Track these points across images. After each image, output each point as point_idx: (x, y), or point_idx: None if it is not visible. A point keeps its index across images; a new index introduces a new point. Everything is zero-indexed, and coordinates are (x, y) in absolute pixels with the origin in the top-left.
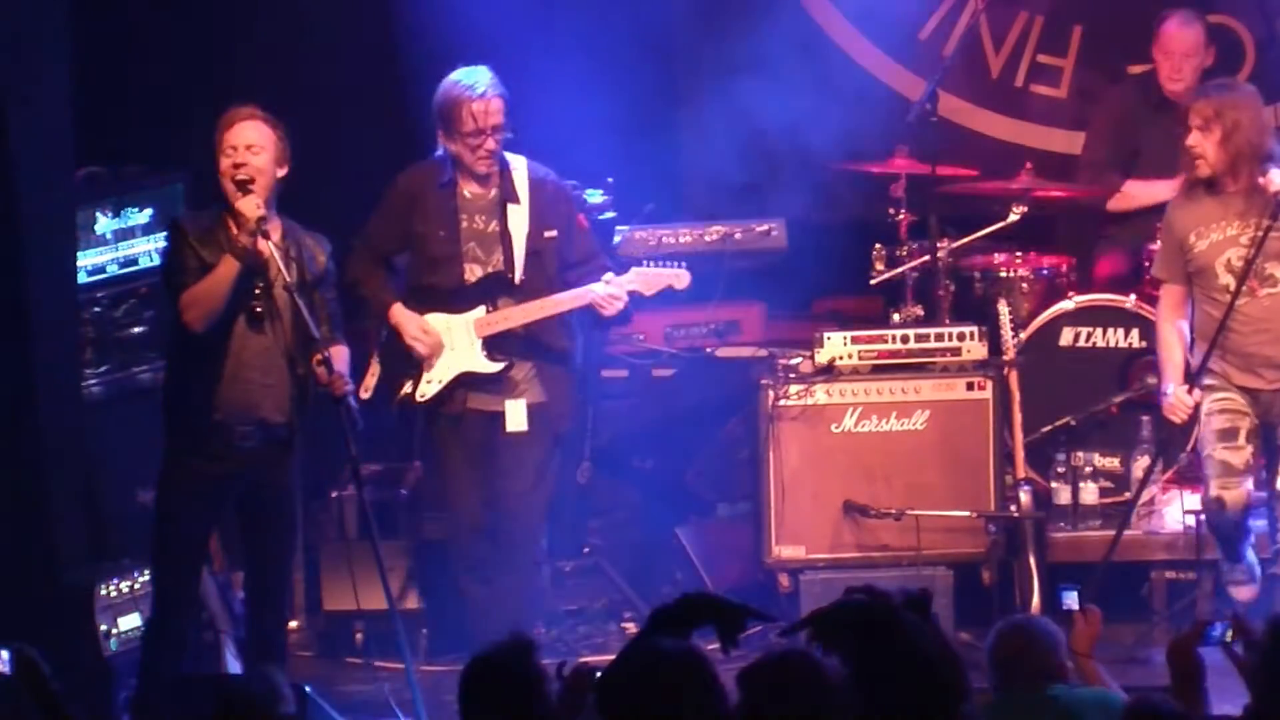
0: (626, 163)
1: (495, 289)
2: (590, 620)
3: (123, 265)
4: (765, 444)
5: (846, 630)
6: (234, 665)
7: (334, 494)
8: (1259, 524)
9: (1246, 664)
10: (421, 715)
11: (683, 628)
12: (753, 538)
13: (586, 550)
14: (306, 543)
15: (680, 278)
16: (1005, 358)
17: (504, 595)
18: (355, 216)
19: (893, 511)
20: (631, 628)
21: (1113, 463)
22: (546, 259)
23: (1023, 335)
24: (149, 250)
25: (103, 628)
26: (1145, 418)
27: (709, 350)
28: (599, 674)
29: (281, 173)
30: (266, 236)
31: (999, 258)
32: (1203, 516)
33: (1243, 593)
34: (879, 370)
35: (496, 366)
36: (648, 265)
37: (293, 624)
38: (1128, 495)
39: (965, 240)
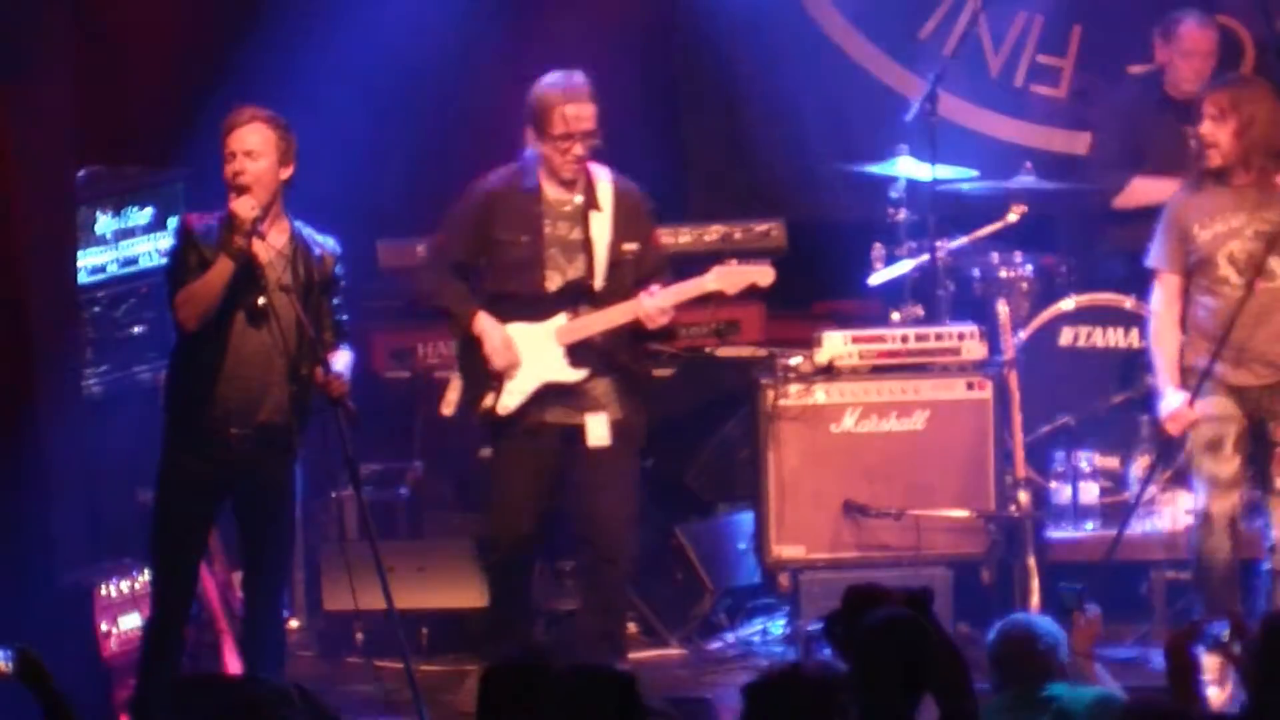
0: (626, 163)
1: (576, 296)
2: None
3: (123, 265)
4: (765, 444)
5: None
6: (234, 665)
7: (334, 494)
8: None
9: (1243, 663)
10: (423, 715)
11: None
12: (753, 538)
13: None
14: (306, 543)
15: (765, 274)
16: (1005, 358)
17: (594, 607)
18: (355, 216)
19: (892, 511)
20: (632, 628)
21: (1112, 463)
22: (625, 271)
23: (1022, 335)
24: (149, 250)
25: (103, 628)
26: (1145, 418)
27: (709, 350)
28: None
29: (286, 174)
30: (261, 237)
31: (999, 258)
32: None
33: None
34: (879, 370)
35: (580, 374)
36: (731, 263)
37: (293, 624)
38: (1127, 495)
39: (965, 240)
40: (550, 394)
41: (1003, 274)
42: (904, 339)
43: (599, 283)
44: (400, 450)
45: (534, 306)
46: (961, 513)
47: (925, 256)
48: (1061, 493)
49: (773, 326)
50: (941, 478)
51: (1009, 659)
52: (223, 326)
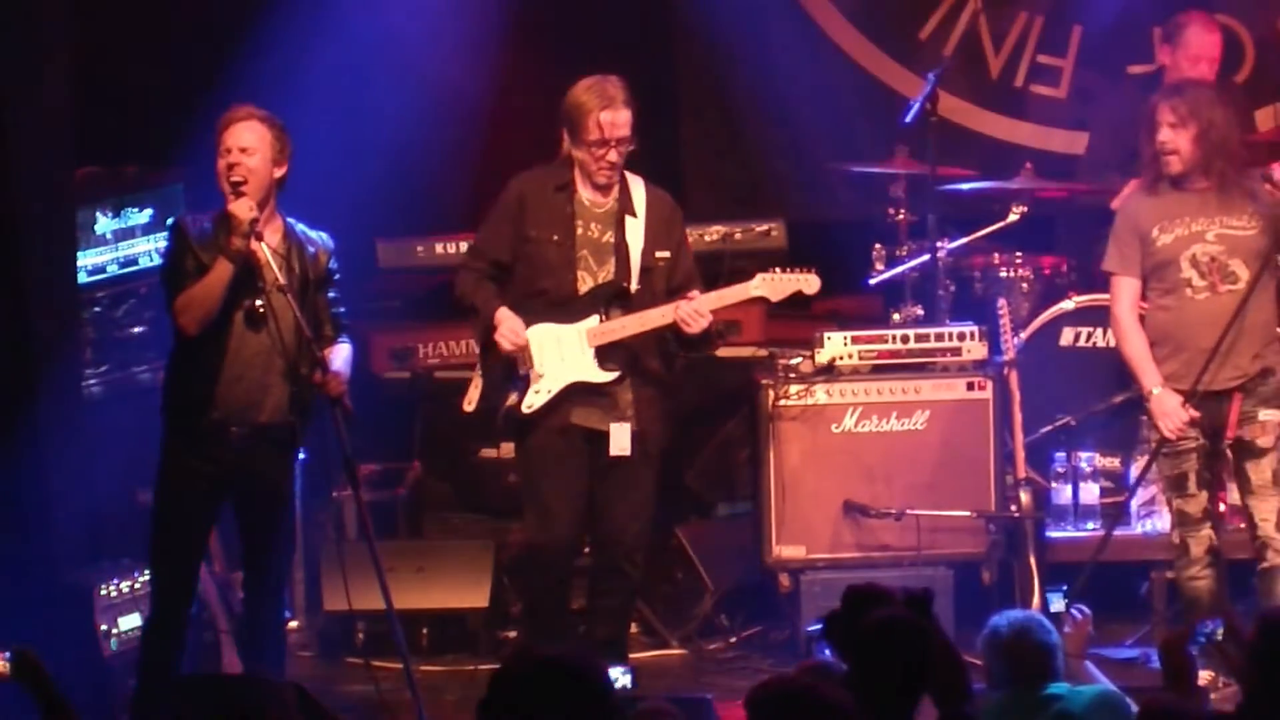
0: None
1: (609, 299)
2: None
3: (123, 265)
4: (765, 444)
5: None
6: (234, 665)
7: (334, 494)
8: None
9: (1238, 661)
10: (422, 716)
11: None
12: (753, 538)
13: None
14: (306, 543)
15: (809, 283)
16: (1005, 358)
17: (603, 613)
18: (355, 216)
19: (893, 511)
20: (632, 628)
21: (1113, 463)
22: (656, 278)
23: (1023, 335)
24: (149, 250)
25: (103, 628)
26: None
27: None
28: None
29: (279, 173)
30: (259, 238)
31: (999, 258)
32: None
33: None
34: (879, 370)
35: (610, 375)
36: (775, 271)
37: (293, 624)
38: (1128, 495)
39: (965, 240)
40: (577, 396)
41: (1003, 274)
42: (904, 339)
43: (633, 285)
44: (400, 450)
45: (564, 307)
46: (962, 513)
47: (925, 257)
48: (1062, 493)
49: (773, 326)
50: (942, 478)
51: (1008, 657)
52: (222, 328)
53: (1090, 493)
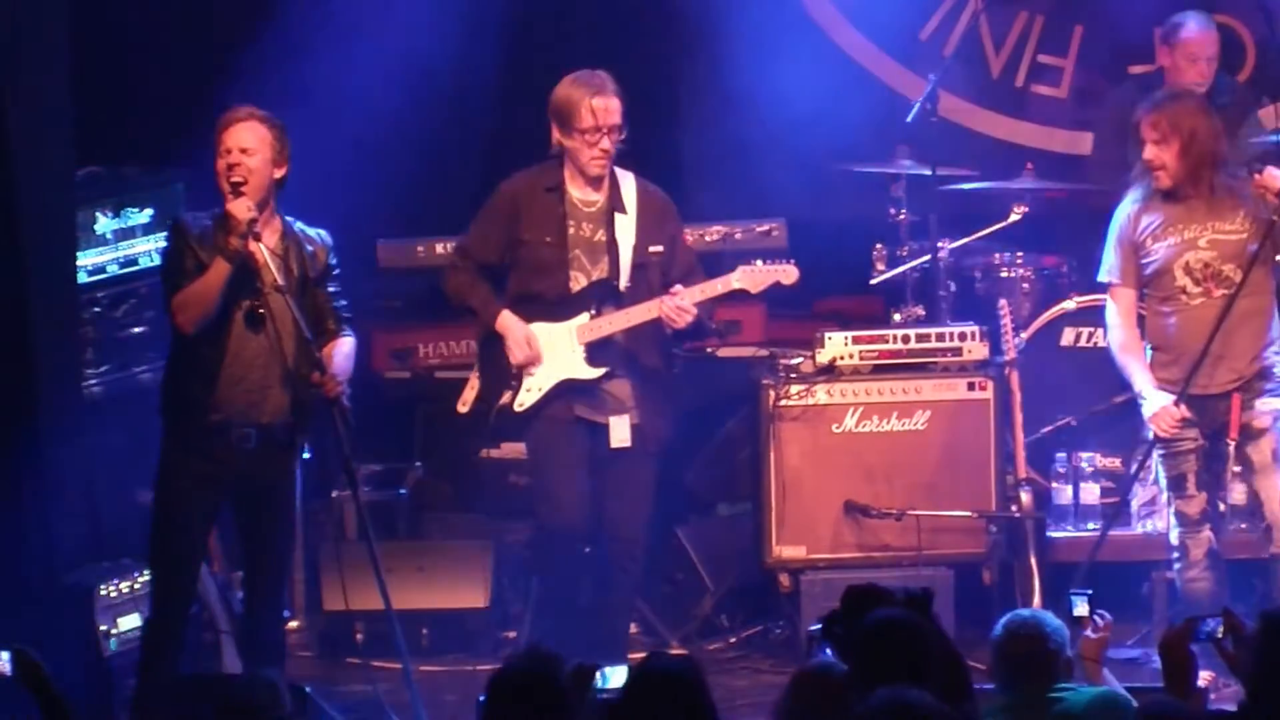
0: (626, 163)
1: (601, 297)
2: None
3: (123, 265)
4: (765, 444)
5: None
6: (234, 665)
7: (334, 494)
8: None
9: (1238, 660)
10: (421, 716)
11: None
12: (753, 538)
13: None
14: (306, 543)
15: (788, 274)
16: (1006, 358)
17: (602, 608)
18: (355, 216)
19: (893, 511)
20: (632, 628)
21: (1113, 463)
22: (651, 273)
23: (1023, 335)
24: (149, 250)
25: (103, 628)
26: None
27: (709, 350)
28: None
29: (279, 174)
30: (258, 238)
31: (999, 258)
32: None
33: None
34: (880, 370)
35: (598, 372)
36: (756, 263)
37: (293, 624)
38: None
39: (965, 240)
40: (575, 390)
41: (1004, 274)
42: (905, 339)
43: (623, 283)
44: (400, 450)
45: (558, 307)
46: (963, 513)
47: (926, 257)
48: (1063, 493)
49: (773, 326)
50: (943, 478)
51: (1015, 657)
52: (221, 328)
53: (1091, 493)
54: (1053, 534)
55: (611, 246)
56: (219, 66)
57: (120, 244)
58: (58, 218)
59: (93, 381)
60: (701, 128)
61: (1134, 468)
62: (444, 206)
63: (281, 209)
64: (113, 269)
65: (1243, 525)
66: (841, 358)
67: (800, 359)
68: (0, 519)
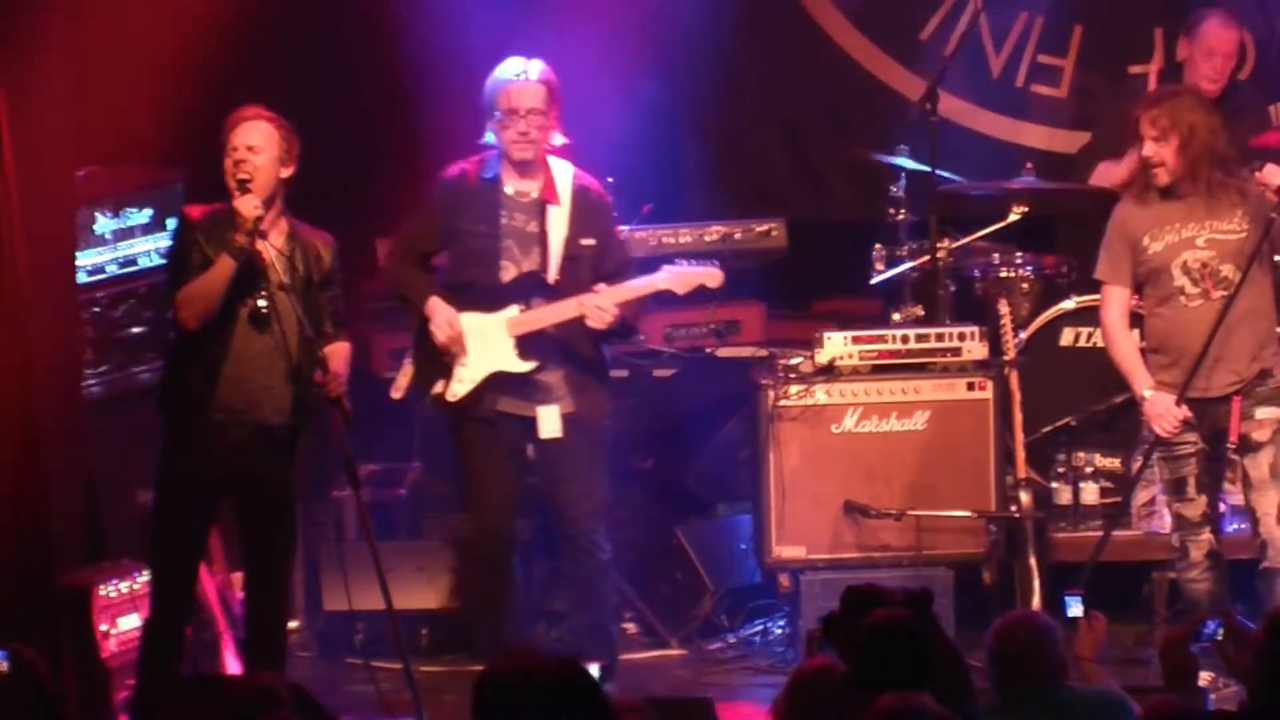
0: (626, 162)
1: (530, 289)
2: None
3: (122, 265)
4: (765, 444)
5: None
6: (234, 665)
7: (334, 494)
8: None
9: (1238, 661)
10: (421, 716)
11: None
12: (753, 538)
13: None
14: (306, 543)
15: (713, 276)
16: (1005, 358)
17: (578, 600)
18: (354, 216)
19: (893, 512)
20: (632, 628)
21: (1113, 463)
22: (583, 266)
23: (1023, 335)
24: (149, 250)
25: (102, 628)
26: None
27: (709, 350)
28: None
29: (286, 173)
30: (264, 237)
31: (999, 258)
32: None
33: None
34: (879, 370)
35: (527, 366)
36: (681, 264)
37: (293, 624)
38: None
39: (965, 240)
40: (503, 384)
41: (1003, 274)
42: (904, 339)
43: (552, 275)
44: (400, 450)
45: (489, 297)
46: (962, 513)
47: (925, 257)
48: (1062, 493)
49: (773, 326)
50: (942, 478)
51: (1010, 657)
52: (225, 327)
53: (1090, 493)
54: (1052, 534)
55: (543, 238)
56: (218, 67)
57: (120, 244)
58: (58, 218)
59: (93, 381)
60: (701, 127)
61: (1135, 468)
62: (427, 190)
63: (287, 209)
64: (112, 269)
65: (1243, 525)
66: (841, 358)
67: (800, 359)
68: (0, 519)
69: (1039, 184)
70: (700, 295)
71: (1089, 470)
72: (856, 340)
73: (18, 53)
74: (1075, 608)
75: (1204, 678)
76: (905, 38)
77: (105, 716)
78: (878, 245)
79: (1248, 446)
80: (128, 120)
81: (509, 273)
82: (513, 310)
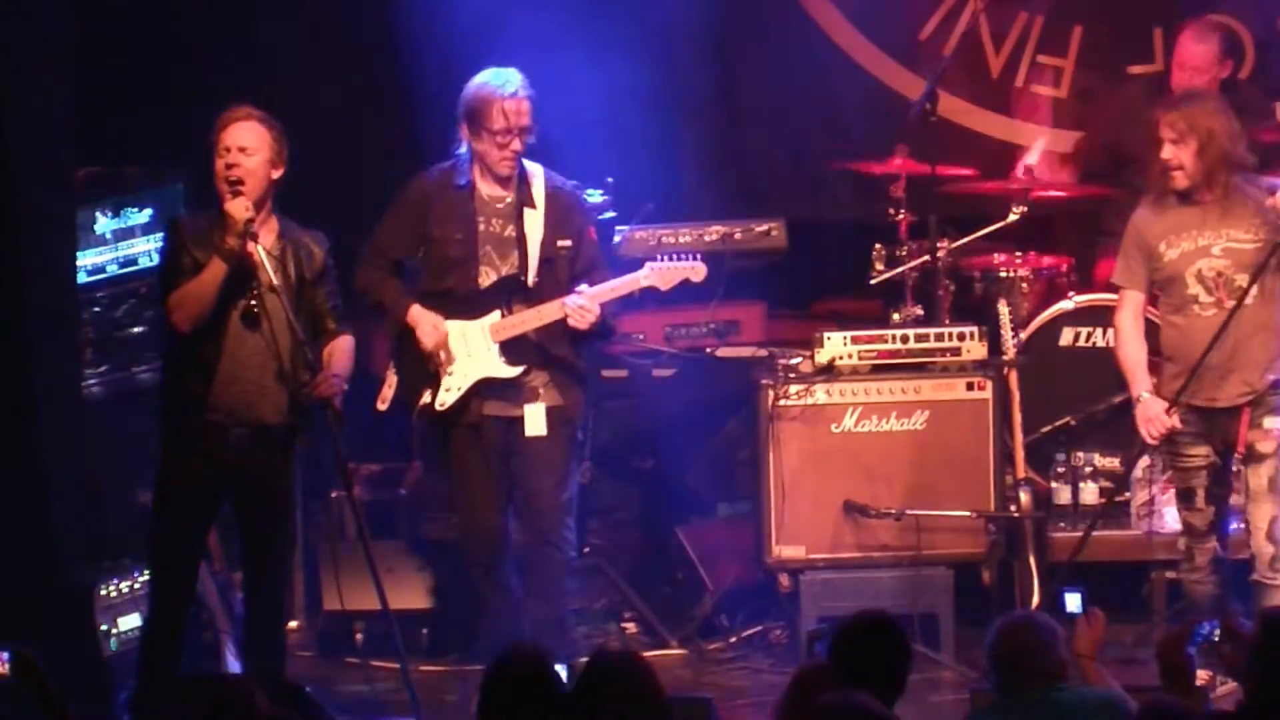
0: (626, 162)
1: (509, 293)
2: (590, 620)
3: (122, 265)
4: (765, 444)
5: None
6: (234, 665)
7: (333, 494)
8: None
9: (1236, 661)
10: (420, 716)
11: None
12: (753, 538)
13: (587, 550)
14: (305, 543)
15: (696, 270)
16: (1005, 358)
17: (537, 593)
18: (353, 216)
19: (893, 511)
20: (632, 628)
21: (1112, 463)
22: (559, 268)
23: (1022, 335)
24: (149, 250)
25: (103, 628)
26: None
27: (709, 350)
28: None
29: (277, 174)
30: (255, 239)
31: (999, 258)
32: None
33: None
34: (879, 370)
35: (515, 371)
36: (662, 260)
37: (293, 624)
38: (1127, 495)
39: (965, 240)
40: (488, 388)
41: (1003, 274)
42: (904, 339)
43: (531, 279)
44: (400, 450)
45: (468, 303)
46: (962, 513)
47: (925, 257)
48: (1062, 493)
49: (773, 326)
50: (942, 478)
51: (1010, 658)
52: (218, 328)
53: (1090, 493)
54: (1052, 534)
55: (520, 241)
56: (218, 67)
57: (120, 244)
58: (58, 218)
59: (93, 381)
60: (702, 128)
61: (1134, 471)
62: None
63: (280, 210)
64: (112, 269)
65: (1243, 525)
66: (840, 358)
67: (799, 359)
68: (0, 519)
69: (1039, 184)
70: (700, 294)
71: (1088, 470)
72: (856, 340)
73: (18, 53)
74: (1073, 603)
75: (1201, 676)
76: (905, 38)
77: (106, 716)
78: (877, 245)
79: (1251, 456)
80: (128, 120)
81: (487, 278)
82: (494, 315)
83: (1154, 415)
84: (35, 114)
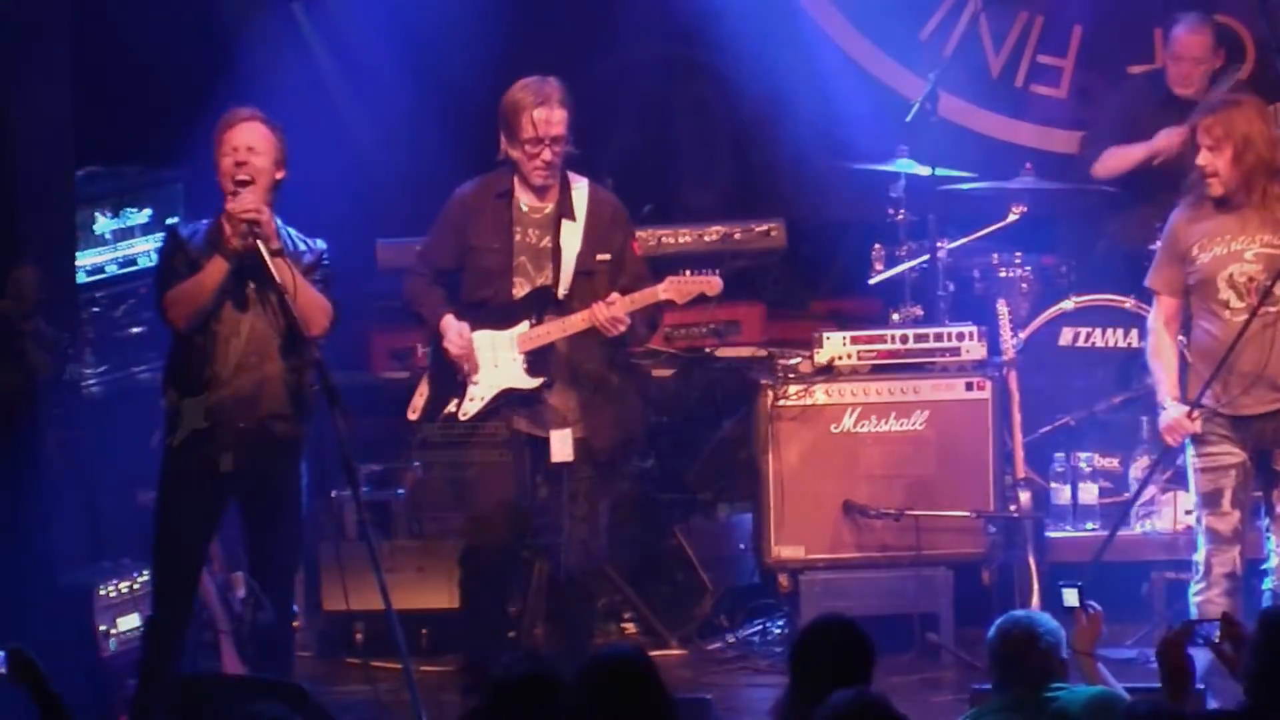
0: (627, 163)
1: (541, 304)
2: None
3: (122, 265)
4: (765, 444)
5: None
6: (234, 665)
7: (334, 494)
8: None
9: (1236, 662)
10: (421, 716)
11: None
12: (753, 538)
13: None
14: (306, 543)
15: (712, 285)
16: (1004, 358)
17: (559, 624)
18: (352, 217)
19: (892, 512)
20: (631, 628)
21: (1112, 463)
22: (598, 281)
23: (1022, 335)
24: (148, 250)
25: (102, 628)
26: (1145, 418)
27: (709, 350)
28: None
29: (279, 176)
30: (259, 238)
31: (998, 258)
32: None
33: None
34: (878, 370)
35: (535, 382)
36: (683, 274)
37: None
38: (1127, 495)
39: (965, 240)
40: (517, 403)
41: (1003, 274)
42: (904, 339)
43: (562, 290)
44: (400, 450)
45: (502, 313)
46: (961, 513)
47: (925, 257)
48: (1061, 493)
49: (773, 326)
50: (941, 478)
51: (1010, 657)
52: (218, 328)
53: (1089, 493)
54: (1051, 534)
55: (556, 253)
56: (218, 67)
57: (119, 244)
58: (57, 218)
59: (92, 381)
60: (702, 128)
61: (1148, 473)
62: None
63: (279, 211)
64: (112, 269)
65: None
66: (840, 358)
67: (799, 359)
68: (0, 519)
69: (1039, 184)
70: (699, 297)
71: (1088, 470)
72: (855, 340)
73: (18, 53)
74: (1070, 597)
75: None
76: (905, 38)
77: (106, 716)
78: (877, 245)
79: (1277, 477)
80: (128, 120)
81: (522, 289)
82: (523, 326)
83: (1174, 423)
84: (35, 114)
